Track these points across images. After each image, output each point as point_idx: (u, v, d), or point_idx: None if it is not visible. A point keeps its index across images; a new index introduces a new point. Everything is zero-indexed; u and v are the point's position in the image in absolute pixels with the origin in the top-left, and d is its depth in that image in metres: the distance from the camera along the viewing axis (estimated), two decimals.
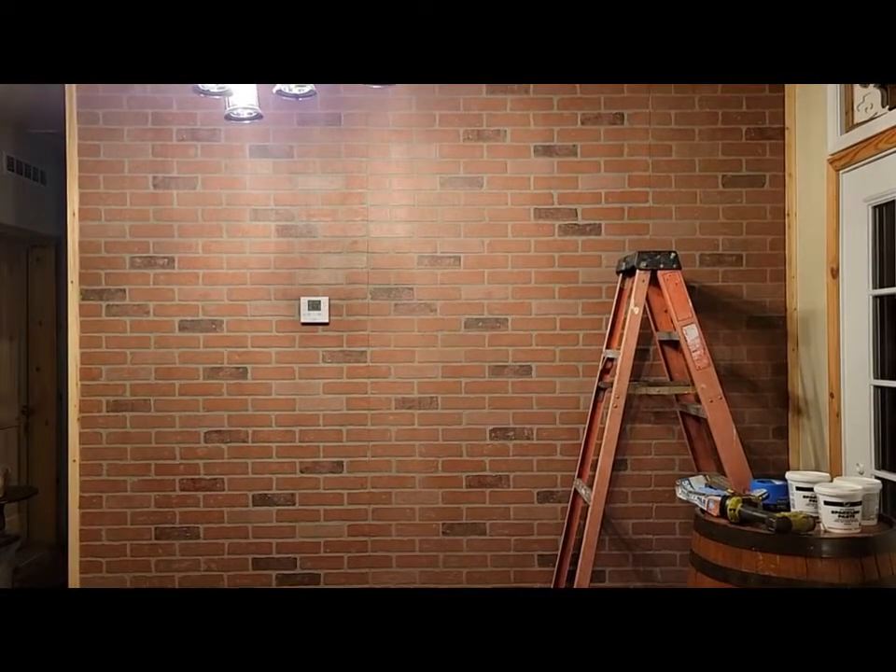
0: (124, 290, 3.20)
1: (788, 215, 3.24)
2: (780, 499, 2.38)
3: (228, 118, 2.68)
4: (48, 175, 4.89)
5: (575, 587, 2.78)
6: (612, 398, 2.81)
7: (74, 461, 3.18)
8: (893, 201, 2.60)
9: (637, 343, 2.86)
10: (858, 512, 2.16)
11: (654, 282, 2.84)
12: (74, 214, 3.20)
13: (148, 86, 3.19)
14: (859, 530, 2.16)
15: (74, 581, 3.17)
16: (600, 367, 3.14)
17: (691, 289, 3.01)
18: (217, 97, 2.57)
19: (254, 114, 2.63)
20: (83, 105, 3.20)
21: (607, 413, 2.83)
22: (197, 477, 3.20)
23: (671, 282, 2.81)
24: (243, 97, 2.56)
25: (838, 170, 2.86)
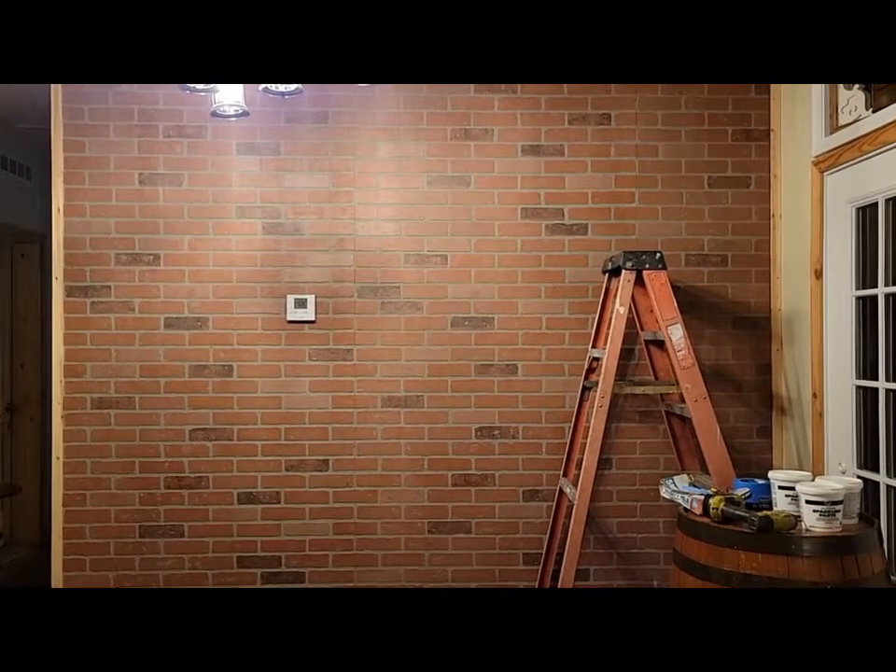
0: (109, 287, 3.18)
1: (773, 216, 3.26)
2: (763, 498, 2.40)
3: (214, 114, 2.67)
4: (33, 171, 4.86)
5: (559, 586, 2.79)
6: (598, 397, 2.82)
7: (57, 459, 3.16)
8: (876, 203, 2.62)
9: (623, 343, 2.87)
10: (839, 511, 2.18)
11: (640, 282, 2.86)
12: (59, 210, 3.17)
13: None
14: (840, 529, 2.18)
15: (57, 579, 3.15)
16: (586, 366, 3.15)
17: (676, 289, 3.02)
18: (202, 94, 2.55)
19: (240, 111, 2.62)
20: (69, 100, 3.18)
21: (592, 412, 2.84)
22: (182, 475, 3.18)
23: (656, 282, 2.82)
24: (229, 94, 2.55)
25: (823, 171, 2.88)
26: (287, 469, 3.20)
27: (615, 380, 2.84)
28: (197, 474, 3.19)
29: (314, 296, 3.21)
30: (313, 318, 3.21)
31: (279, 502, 3.20)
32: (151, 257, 3.19)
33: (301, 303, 3.20)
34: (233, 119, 2.86)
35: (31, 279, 4.98)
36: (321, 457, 3.21)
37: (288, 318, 3.21)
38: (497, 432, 3.24)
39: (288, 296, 3.20)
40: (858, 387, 2.75)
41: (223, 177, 3.21)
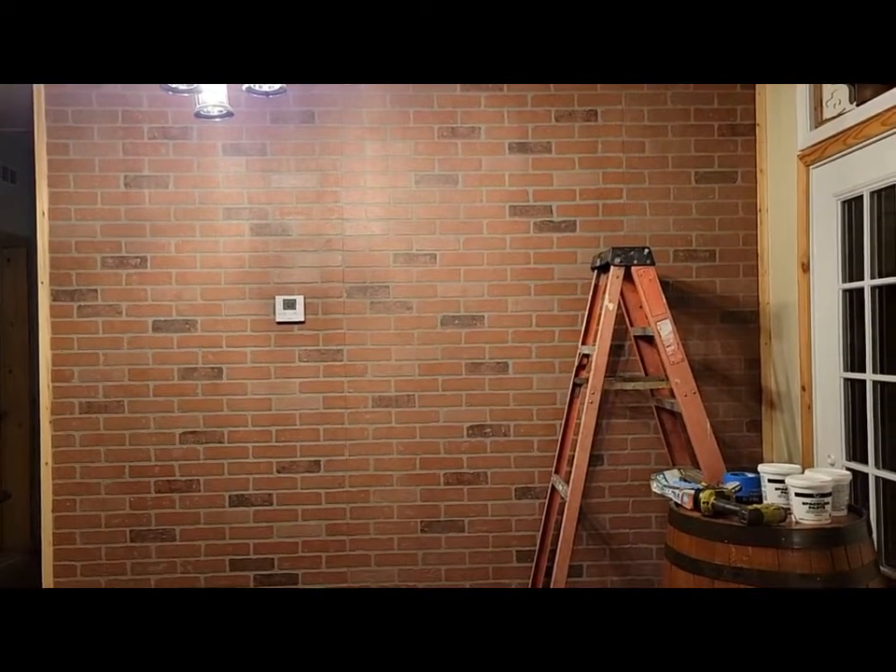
0: (96, 291, 3.16)
1: (759, 210, 3.27)
2: (753, 492, 2.40)
3: (198, 115, 2.66)
4: (18, 175, 4.82)
5: (553, 583, 2.80)
6: (588, 393, 2.82)
7: (46, 464, 3.14)
8: (862, 196, 2.64)
9: (612, 339, 2.87)
10: (828, 503, 2.19)
11: (629, 278, 2.86)
12: (43, 213, 3.15)
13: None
14: (829, 521, 2.19)
15: (47, 585, 3.13)
16: (576, 363, 3.16)
17: (665, 285, 3.03)
18: (186, 95, 2.54)
19: (224, 112, 2.61)
20: (52, 102, 3.15)
21: (583, 409, 2.84)
22: (172, 478, 3.17)
23: (645, 278, 2.83)
24: (212, 95, 2.53)
25: (808, 165, 2.89)
26: (278, 471, 3.19)
27: (605, 376, 2.84)
28: (188, 477, 3.17)
29: (302, 297, 3.20)
30: (302, 319, 3.20)
31: (271, 504, 3.19)
32: (138, 260, 3.17)
33: (289, 304, 3.19)
34: (218, 119, 2.85)
35: (17, 284, 4.94)
36: (312, 458, 3.20)
37: (277, 319, 3.19)
38: (488, 430, 3.24)
39: (277, 297, 3.19)
40: (846, 380, 2.77)
41: (209, 179, 3.19)
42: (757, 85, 3.27)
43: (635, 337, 3.16)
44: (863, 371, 2.66)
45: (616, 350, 3.21)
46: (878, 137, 2.48)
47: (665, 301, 2.81)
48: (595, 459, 3.17)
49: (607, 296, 2.85)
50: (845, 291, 2.76)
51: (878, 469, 2.60)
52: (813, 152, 2.85)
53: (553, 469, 3.19)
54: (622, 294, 2.94)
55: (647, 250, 2.84)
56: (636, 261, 2.83)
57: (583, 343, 3.12)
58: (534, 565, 3.19)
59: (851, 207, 2.74)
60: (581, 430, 2.82)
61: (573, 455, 2.86)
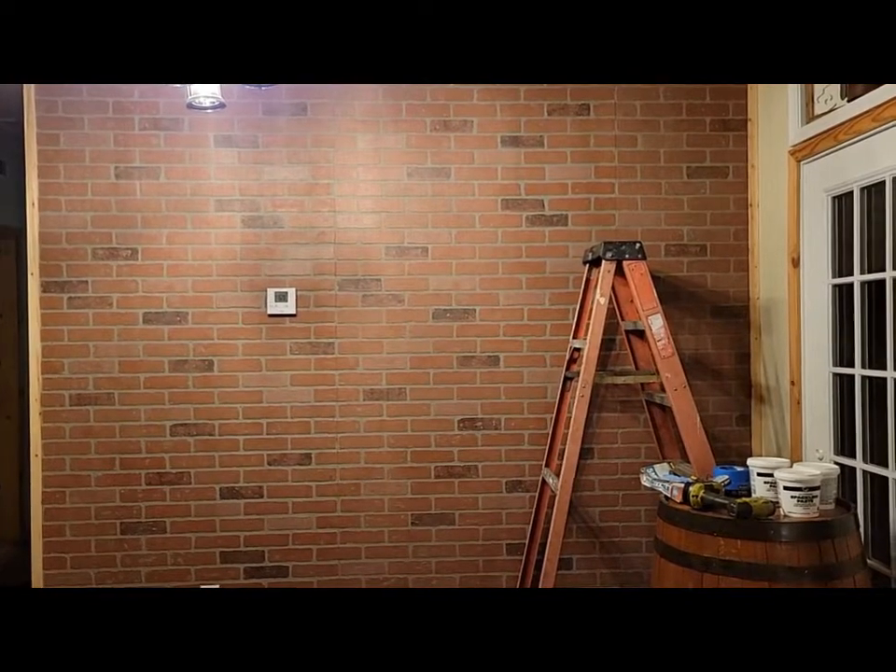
0: (86, 282, 3.14)
1: (751, 205, 3.28)
2: (742, 485, 2.42)
3: (190, 107, 2.65)
4: (7, 165, 4.78)
5: (542, 576, 2.81)
6: (579, 387, 2.83)
7: (36, 456, 3.13)
8: (852, 191, 2.65)
9: (604, 333, 2.88)
10: (816, 497, 2.21)
11: (620, 272, 2.87)
12: (33, 204, 3.13)
13: None
14: (817, 514, 2.20)
15: (37, 577, 3.12)
16: (567, 356, 3.16)
17: (656, 279, 3.04)
18: (177, 85, 2.53)
19: (216, 103, 2.60)
20: (42, 93, 3.13)
21: (574, 403, 2.85)
22: (163, 471, 3.16)
23: (636, 272, 2.83)
24: (204, 86, 2.52)
25: (799, 161, 2.90)
26: (269, 464, 3.19)
27: (596, 370, 2.85)
28: (178, 470, 3.17)
29: (294, 289, 3.19)
30: (293, 312, 3.20)
31: (262, 497, 3.19)
32: (129, 251, 3.16)
33: (281, 297, 3.19)
34: (210, 110, 2.84)
35: (7, 275, 4.91)
36: (303, 451, 3.20)
37: (269, 312, 3.19)
38: (479, 423, 3.24)
39: (269, 289, 3.18)
40: (835, 375, 2.79)
41: (201, 170, 3.18)
42: None
43: (626, 331, 3.17)
44: (852, 366, 2.68)
45: (607, 344, 3.22)
46: (869, 133, 2.49)
47: (656, 295, 2.82)
48: (585, 453, 3.18)
49: (598, 290, 2.85)
50: (834, 286, 2.78)
51: (866, 463, 2.62)
52: (804, 148, 2.86)
53: (544, 463, 3.20)
54: (613, 288, 2.94)
55: (638, 245, 2.85)
56: (627, 256, 2.84)
57: (574, 337, 3.13)
58: (524, 558, 3.20)
59: (841, 203, 2.76)
60: (571, 424, 2.83)
61: (563, 449, 2.87)
